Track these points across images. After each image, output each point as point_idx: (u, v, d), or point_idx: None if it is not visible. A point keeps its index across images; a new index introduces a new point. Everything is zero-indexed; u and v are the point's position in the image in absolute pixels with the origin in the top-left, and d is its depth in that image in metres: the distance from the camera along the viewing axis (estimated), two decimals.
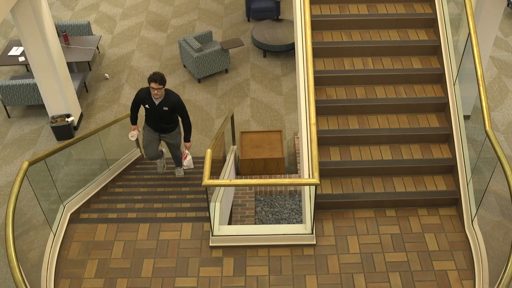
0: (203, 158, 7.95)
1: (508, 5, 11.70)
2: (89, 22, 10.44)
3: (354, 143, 5.45)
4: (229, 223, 6.86)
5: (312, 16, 6.08)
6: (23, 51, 9.69)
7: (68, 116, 8.55)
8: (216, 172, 5.88)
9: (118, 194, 6.31)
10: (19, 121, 9.13)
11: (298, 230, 4.81)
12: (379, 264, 4.63)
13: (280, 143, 7.73)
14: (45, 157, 4.74)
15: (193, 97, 9.62)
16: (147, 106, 5.96)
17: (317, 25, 6.07)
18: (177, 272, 4.61)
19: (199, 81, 9.94)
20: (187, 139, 6.31)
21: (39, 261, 4.56)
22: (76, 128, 8.94)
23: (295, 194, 7.53)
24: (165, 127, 6.22)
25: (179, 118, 7.09)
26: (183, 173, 7.13)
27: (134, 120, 6.38)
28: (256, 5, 11.46)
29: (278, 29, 10.75)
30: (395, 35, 5.99)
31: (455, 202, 5.13)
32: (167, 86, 9.88)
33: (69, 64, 9.72)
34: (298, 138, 8.45)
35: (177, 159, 6.95)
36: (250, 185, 5.72)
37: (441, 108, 5.58)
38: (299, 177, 7.63)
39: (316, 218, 5.04)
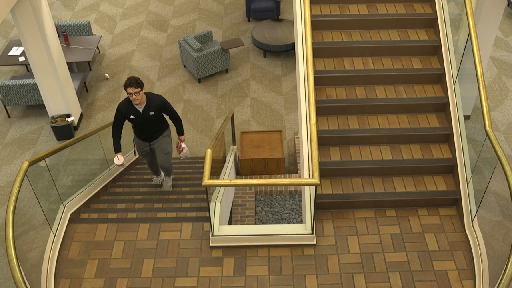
0: (203, 158, 7.95)
1: (508, 5, 11.69)
2: (89, 22, 10.45)
3: (354, 143, 5.45)
4: (229, 223, 6.86)
5: (312, 16, 6.08)
6: (23, 51, 9.69)
7: (68, 116, 8.55)
8: (216, 172, 5.88)
9: (118, 194, 6.31)
10: (19, 121, 9.13)
11: (298, 230, 4.81)
12: (379, 264, 4.63)
13: (280, 143, 7.73)
14: (45, 157, 4.74)
15: (193, 97, 9.62)
16: (132, 117, 5.54)
17: (317, 25, 6.06)
18: (177, 272, 4.61)
19: (199, 81, 9.95)
20: (180, 133, 6.10)
21: (39, 261, 4.56)
22: (76, 128, 8.94)
23: (295, 194, 7.53)
24: (154, 134, 5.88)
25: (167, 120, 6.33)
26: (171, 184, 6.52)
27: (118, 146, 5.70)
28: (256, 5, 11.46)
29: (278, 29, 10.75)
30: (395, 35, 5.99)
31: (455, 202, 5.13)
32: (166, 86, 9.89)
33: (69, 64, 9.72)
34: (298, 138, 8.45)
35: (167, 170, 6.32)
36: (250, 185, 5.72)
37: (441, 108, 5.58)
38: (299, 177, 7.63)
39: (316, 218, 5.04)
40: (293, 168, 8.18)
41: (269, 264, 4.66)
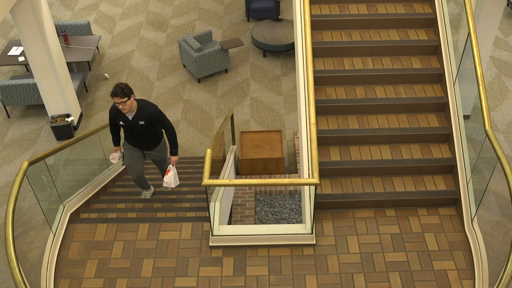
0: (203, 158, 7.95)
1: (508, 5, 11.70)
2: (88, 22, 10.44)
3: (354, 143, 5.45)
4: (229, 223, 6.86)
5: (312, 16, 6.08)
6: (23, 51, 9.68)
7: (68, 116, 8.55)
8: (216, 172, 5.88)
9: (118, 194, 6.30)
10: (19, 121, 9.13)
11: (298, 230, 4.81)
12: (379, 264, 4.63)
13: (280, 143, 7.73)
14: (45, 157, 4.74)
15: (193, 97, 9.62)
16: (121, 123, 5.33)
17: (317, 25, 6.06)
18: (177, 272, 4.61)
19: (199, 81, 9.94)
20: (172, 153, 5.59)
21: (39, 261, 4.56)
22: (76, 128, 8.94)
23: (295, 194, 7.53)
24: (148, 143, 5.54)
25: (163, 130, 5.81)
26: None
27: (115, 141, 5.71)
28: (256, 5, 11.45)
29: (278, 29, 10.75)
30: (395, 35, 5.99)
31: (455, 202, 5.13)
32: (166, 86, 9.89)
33: (69, 64, 9.72)
34: (298, 138, 8.45)
35: (164, 172, 6.11)
36: (250, 185, 5.71)
37: (441, 108, 5.58)
38: (299, 177, 7.63)
39: (316, 218, 5.04)
40: (292, 168, 8.18)
41: (269, 264, 4.66)
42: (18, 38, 10.92)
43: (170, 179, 5.53)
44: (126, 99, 4.99)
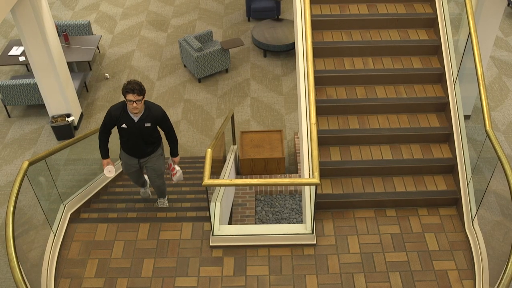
0: (203, 158, 7.95)
1: (508, 4, 11.69)
2: (89, 22, 10.45)
3: (354, 143, 5.45)
4: (229, 223, 6.86)
5: (312, 15, 6.08)
6: (24, 50, 9.68)
7: (69, 115, 8.55)
8: (216, 172, 5.88)
9: (118, 194, 6.31)
10: (20, 120, 9.13)
11: (298, 230, 4.81)
12: (379, 264, 4.63)
13: (280, 143, 7.73)
14: (45, 156, 4.74)
15: (193, 96, 9.62)
16: (124, 125, 4.78)
17: (317, 24, 6.06)
18: (177, 272, 4.61)
19: (199, 80, 9.94)
20: (174, 154, 5.31)
21: (39, 260, 4.56)
22: (76, 127, 8.94)
23: (295, 194, 7.53)
24: (146, 150, 5.09)
25: (161, 135, 5.33)
26: (167, 203, 5.83)
27: (105, 152, 5.08)
28: (256, 4, 11.45)
29: (278, 29, 10.75)
30: (395, 35, 5.99)
31: (455, 202, 5.13)
32: (166, 86, 9.89)
33: (70, 64, 9.72)
34: (298, 138, 8.45)
35: (160, 190, 5.62)
36: (250, 185, 5.70)
37: (441, 108, 5.58)
38: (299, 177, 7.63)
39: (316, 218, 5.04)
40: (293, 168, 8.18)
41: (269, 264, 4.66)
42: (19, 38, 10.92)
43: (180, 175, 5.53)
44: (141, 97, 4.53)
